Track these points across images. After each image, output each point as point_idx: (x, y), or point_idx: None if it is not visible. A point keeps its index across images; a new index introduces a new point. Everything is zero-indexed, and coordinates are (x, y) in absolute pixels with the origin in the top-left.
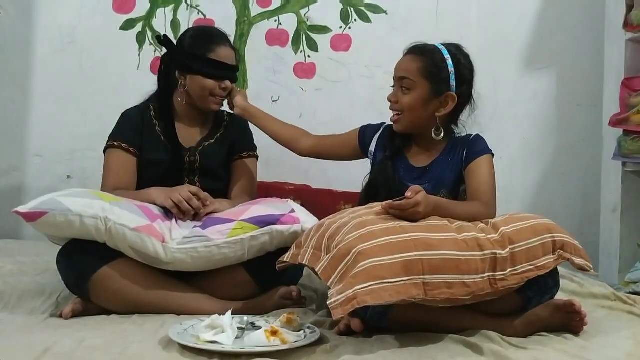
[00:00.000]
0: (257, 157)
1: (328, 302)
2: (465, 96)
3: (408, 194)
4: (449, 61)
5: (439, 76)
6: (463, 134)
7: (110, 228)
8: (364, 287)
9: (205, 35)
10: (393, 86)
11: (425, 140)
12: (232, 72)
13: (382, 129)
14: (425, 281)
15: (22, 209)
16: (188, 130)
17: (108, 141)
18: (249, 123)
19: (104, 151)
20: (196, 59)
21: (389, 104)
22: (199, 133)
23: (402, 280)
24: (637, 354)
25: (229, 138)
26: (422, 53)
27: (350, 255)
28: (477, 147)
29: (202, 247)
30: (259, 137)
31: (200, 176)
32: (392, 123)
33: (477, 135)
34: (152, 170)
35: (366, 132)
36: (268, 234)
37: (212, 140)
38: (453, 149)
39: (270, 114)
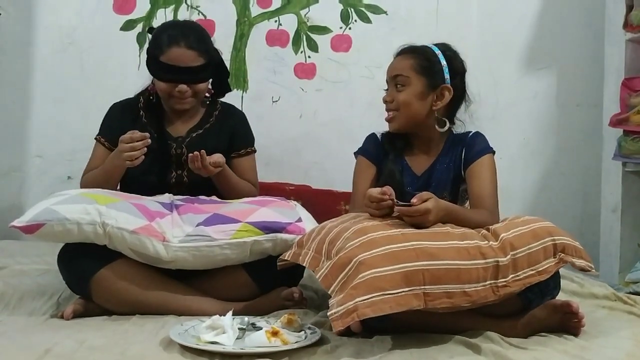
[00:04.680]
0: (255, 151)
1: (328, 313)
2: (459, 90)
3: (414, 200)
4: (440, 56)
5: (432, 70)
6: (461, 132)
7: (109, 232)
8: (364, 300)
9: (159, 35)
10: (386, 89)
11: (423, 140)
12: (186, 75)
13: (380, 138)
14: (425, 291)
15: (18, 222)
16: (176, 122)
17: (98, 131)
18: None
19: (95, 138)
20: (151, 61)
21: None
22: (187, 124)
23: (402, 291)
24: (637, 354)
25: (222, 130)
26: (412, 51)
27: (351, 264)
28: (477, 146)
29: (204, 247)
30: (259, 137)
31: (188, 169)
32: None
33: (477, 133)
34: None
35: (370, 150)
36: (272, 240)
37: (201, 131)
38: (452, 148)
39: (271, 114)
